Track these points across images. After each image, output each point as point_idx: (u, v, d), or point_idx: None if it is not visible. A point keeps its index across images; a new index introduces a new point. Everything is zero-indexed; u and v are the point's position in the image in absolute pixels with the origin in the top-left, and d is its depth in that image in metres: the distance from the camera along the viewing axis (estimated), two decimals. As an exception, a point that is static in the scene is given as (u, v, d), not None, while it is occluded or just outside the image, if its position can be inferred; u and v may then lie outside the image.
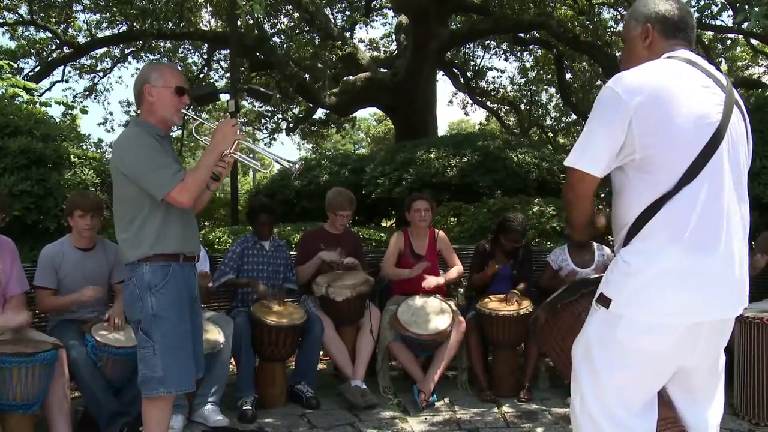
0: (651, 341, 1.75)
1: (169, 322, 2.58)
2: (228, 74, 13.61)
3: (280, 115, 17.96)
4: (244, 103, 15.59)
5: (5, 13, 13.50)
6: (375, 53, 16.38)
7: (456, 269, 4.53)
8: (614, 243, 1.90)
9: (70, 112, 14.20)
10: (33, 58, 14.69)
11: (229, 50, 10.83)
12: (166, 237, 2.61)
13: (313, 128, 18.47)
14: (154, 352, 2.56)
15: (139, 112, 2.79)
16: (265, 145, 21.52)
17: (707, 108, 1.73)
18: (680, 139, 1.71)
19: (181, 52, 15.91)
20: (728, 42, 15.11)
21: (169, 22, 13.13)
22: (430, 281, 4.27)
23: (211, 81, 15.49)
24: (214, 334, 3.70)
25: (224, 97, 11.72)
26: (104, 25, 14.27)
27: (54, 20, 13.93)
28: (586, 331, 1.87)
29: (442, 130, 19.01)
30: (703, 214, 1.71)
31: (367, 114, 32.09)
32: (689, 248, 1.70)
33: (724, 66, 15.75)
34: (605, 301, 1.80)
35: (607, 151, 1.75)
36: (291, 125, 17.34)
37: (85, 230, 3.47)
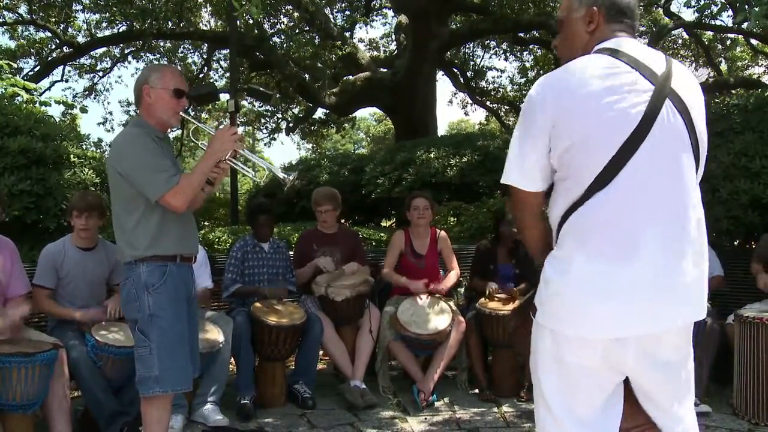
0: (575, 354, 1.64)
1: (166, 321, 2.58)
2: (228, 74, 13.60)
3: (279, 115, 17.95)
4: (244, 102, 15.58)
5: (5, 12, 13.49)
6: (375, 53, 16.36)
7: (454, 273, 4.53)
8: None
9: (69, 111, 14.21)
10: (33, 57, 14.69)
11: (228, 50, 10.82)
12: (163, 239, 2.61)
13: (312, 128, 18.45)
14: (150, 352, 2.57)
15: (138, 112, 2.79)
16: (265, 144, 21.53)
17: (626, 108, 1.57)
18: (595, 143, 1.58)
19: (181, 52, 15.91)
20: (728, 42, 15.10)
21: (169, 22, 13.12)
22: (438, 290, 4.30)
23: (211, 81, 15.47)
24: (214, 334, 3.70)
25: (224, 96, 11.72)
26: (104, 24, 14.26)
27: (54, 20, 13.92)
28: (532, 344, 1.78)
29: (442, 129, 19.01)
30: (617, 221, 1.57)
31: (366, 114, 32.10)
32: (597, 257, 1.58)
33: (723, 66, 15.75)
34: (534, 310, 1.73)
35: (534, 161, 1.65)
36: (291, 125, 17.33)
37: (81, 230, 3.48)
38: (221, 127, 2.80)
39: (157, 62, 14.90)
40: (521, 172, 1.68)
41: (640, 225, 1.57)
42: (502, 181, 1.72)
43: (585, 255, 1.59)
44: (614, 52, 1.65)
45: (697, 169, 1.67)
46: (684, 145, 1.63)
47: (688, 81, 1.69)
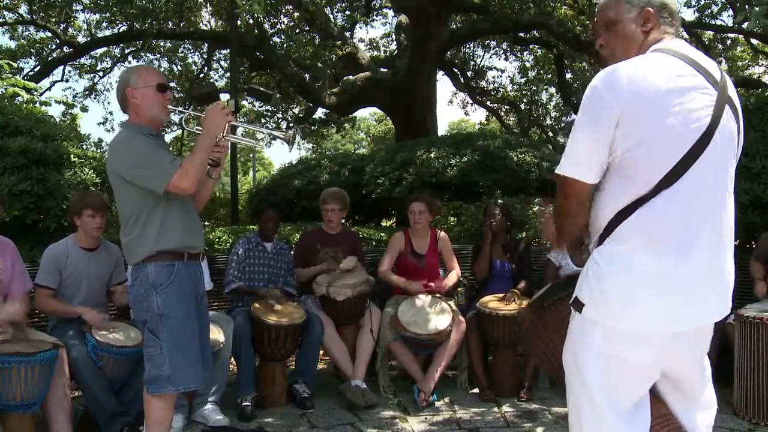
0: (627, 350, 1.69)
1: (176, 320, 2.60)
2: (228, 74, 13.62)
3: (280, 115, 17.93)
4: (245, 102, 15.58)
5: (5, 12, 13.49)
6: (375, 53, 16.37)
7: (454, 273, 4.53)
8: (590, 243, 1.84)
9: (70, 111, 14.21)
10: (33, 57, 14.68)
11: (229, 50, 10.83)
12: (169, 233, 2.63)
13: (313, 128, 18.44)
14: (161, 351, 2.58)
15: (127, 116, 2.80)
16: (266, 144, 21.52)
17: (696, 110, 1.63)
18: (663, 142, 1.62)
19: (181, 52, 15.91)
20: (728, 42, 15.10)
21: (169, 22, 13.11)
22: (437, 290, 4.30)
23: (212, 80, 15.49)
24: (215, 334, 3.70)
25: (224, 96, 11.74)
26: (104, 24, 14.25)
27: (54, 20, 13.92)
28: (570, 337, 1.82)
29: (442, 129, 19.03)
30: (679, 220, 1.64)
31: (367, 114, 32.14)
32: (661, 255, 1.63)
33: (724, 66, 15.74)
34: (578, 306, 1.75)
35: (596, 154, 1.68)
36: (291, 125, 17.33)
37: (95, 229, 3.51)
38: (210, 106, 2.82)
39: (156, 62, 14.92)
40: (581, 163, 1.70)
41: (698, 224, 1.66)
42: (559, 170, 1.73)
43: (652, 251, 1.64)
44: (676, 54, 1.69)
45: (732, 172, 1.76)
46: (734, 151, 1.73)
47: (733, 87, 1.76)
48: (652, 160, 1.64)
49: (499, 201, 4.87)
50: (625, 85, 1.63)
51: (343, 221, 4.77)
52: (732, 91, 1.72)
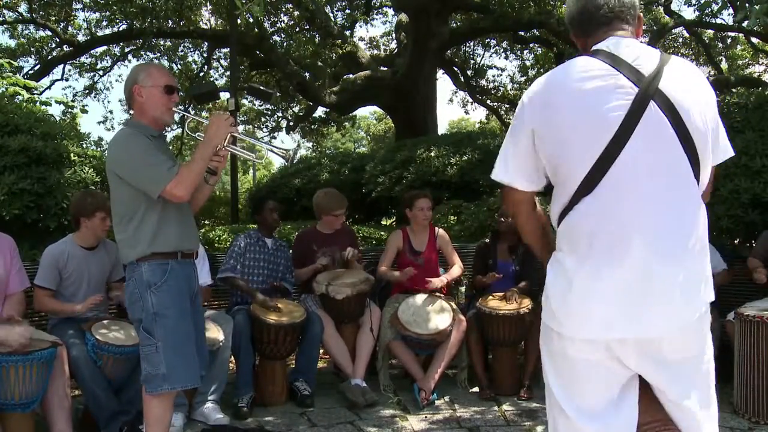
0: (579, 351, 1.66)
1: (171, 319, 2.59)
2: (228, 72, 13.60)
3: (280, 114, 17.96)
4: (244, 101, 15.59)
5: (5, 11, 13.49)
6: (375, 51, 16.36)
7: (457, 266, 4.52)
8: None
9: (70, 110, 14.20)
10: (33, 56, 14.69)
11: (229, 49, 10.82)
12: (164, 236, 2.62)
13: (313, 126, 18.45)
14: (156, 350, 2.58)
15: (131, 113, 2.79)
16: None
17: (608, 112, 1.56)
18: (578, 147, 1.58)
19: (181, 51, 15.91)
20: (729, 40, 15.10)
21: (169, 21, 13.12)
22: (435, 283, 4.27)
23: (212, 79, 15.46)
24: (214, 333, 3.70)
25: (224, 95, 11.74)
26: (104, 23, 14.26)
27: (54, 19, 13.92)
28: (540, 341, 1.82)
29: (442, 128, 19.03)
30: (605, 226, 1.57)
31: (367, 112, 32.12)
32: (587, 262, 1.59)
33: (724, 65, 15.74)
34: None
35: (520, 161, 1.70)
36: (291, 123, 17.33)
37: (104, 231, 3.54)
38: (214, 113, 2.81)
39: (157, 61, 14.91)
40: (507, 170, 1.73)
41: (628, 229, 1.57)
42: (492, 175, 1.77)
43: (576, 258, 1.62)
44: (603, 54, 1.64)
45: (698, 166, 1.63)
46: (673, 147, 1.59)
47: (685, 78, 1.64)
48: (570, 166, 1.61)
49: None
50: (539, 94, 1.66)
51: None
52: (673, 85, 1.60)
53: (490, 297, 4.28)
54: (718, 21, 12.06)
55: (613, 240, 1.58)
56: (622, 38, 1.68)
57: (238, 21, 10.65)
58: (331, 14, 14.34)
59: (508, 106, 19.29)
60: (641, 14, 1.80)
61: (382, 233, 6.38)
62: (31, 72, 13.50)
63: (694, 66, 1.74)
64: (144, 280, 2.60)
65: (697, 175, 1.62)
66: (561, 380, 1.72)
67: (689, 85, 1.64)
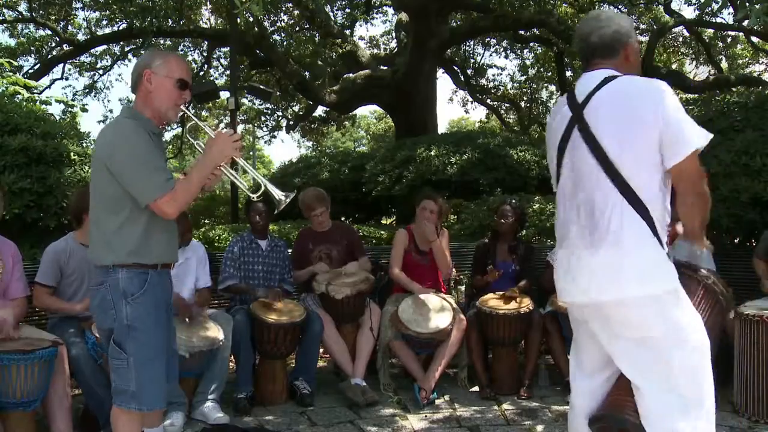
0: (572, 313, 2.27)
1: (145, 333, 2.36)
2: (228, 72, 13.60)
3: (280, 113, 17.95)
4: (244, 100, 15.57)
5: (5, 10, 13.48)
6: (375, 51, 16.36)
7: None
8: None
9: (69, 110, 14.20)
10: (33, 55, 14.67)
11: (229, 48, 10.82)
12: (148, 246, 2.38)
13: (313, 126, 18.46)
14: (127, 365, 2.34)
15: (133, 100, 2.49)
16: (266, 143, 21.52)
17: (554, 132, 2.15)
18: (550, 156, 2.21)
19: (181, 50, 15.88)
20: (729, 40, 15.08)
21: (169, 20, 13.09)
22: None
23: (211, 78, 15.46)
24: (214, 332, 3.70)
25: (224, 94, 11.72)
26: (104, 22, 14.28)
27: (54, 18, 13.91)
28: None
29: (442, 127, 19.01)
30: (561, 215, 2.17)
31: (367, 111, 32.11)
32: (559, 245, 2.21)
33: (724, 64, 15.73)
34: None
35: None
36: (291, 123, 17.33)
37: None
38: (221, 129, 2.69)
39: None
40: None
41: (567, 220, 2.14)
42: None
43: (557, 242, 2.24)
44: (574, 85, 2.16)
45: (617, 174, 1.96)
46: (592, 161, 2.01)
47: (613, 99, 2.00)
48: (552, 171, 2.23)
49: (513, 201, 4.66)
50: None
51: (342, 218, 4.75)
52: (596, 112, 2.01)
53: (490, 296, 4.29)
54: (719, 20, 12.06)
55: (565, 225, 2.16)
56: (591, 71, 2.10)
57: (238, 20, 10.64)
58: (331, 13, 14.34)
59: (508, 105, 19.29)
60: (631, 43, 2.12)
61: (382, 232, 6.39)
62: (31, 71, 13.49)
63: (640, 83, 2.01)
64: (120, 288, 2.34)
65: (617, 182, 1.97)
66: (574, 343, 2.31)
67: (615, 105, 1.99)
